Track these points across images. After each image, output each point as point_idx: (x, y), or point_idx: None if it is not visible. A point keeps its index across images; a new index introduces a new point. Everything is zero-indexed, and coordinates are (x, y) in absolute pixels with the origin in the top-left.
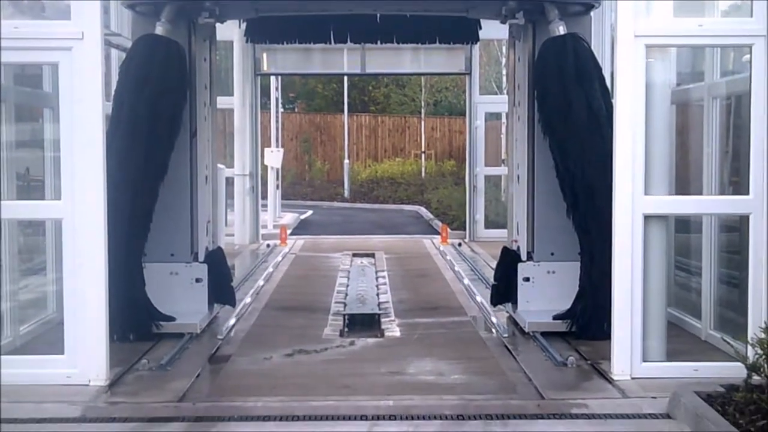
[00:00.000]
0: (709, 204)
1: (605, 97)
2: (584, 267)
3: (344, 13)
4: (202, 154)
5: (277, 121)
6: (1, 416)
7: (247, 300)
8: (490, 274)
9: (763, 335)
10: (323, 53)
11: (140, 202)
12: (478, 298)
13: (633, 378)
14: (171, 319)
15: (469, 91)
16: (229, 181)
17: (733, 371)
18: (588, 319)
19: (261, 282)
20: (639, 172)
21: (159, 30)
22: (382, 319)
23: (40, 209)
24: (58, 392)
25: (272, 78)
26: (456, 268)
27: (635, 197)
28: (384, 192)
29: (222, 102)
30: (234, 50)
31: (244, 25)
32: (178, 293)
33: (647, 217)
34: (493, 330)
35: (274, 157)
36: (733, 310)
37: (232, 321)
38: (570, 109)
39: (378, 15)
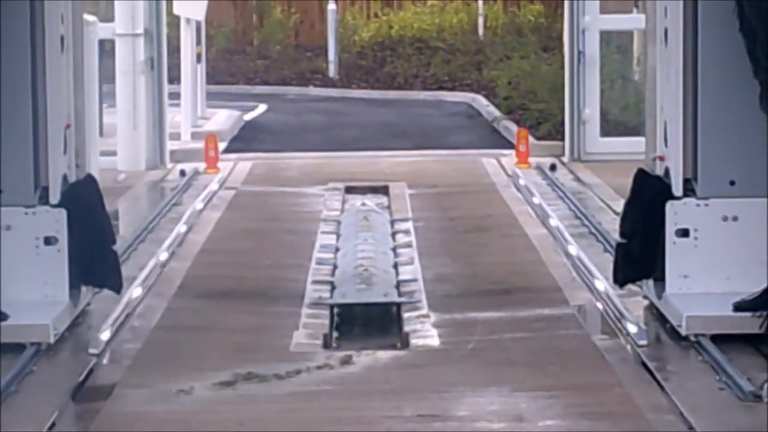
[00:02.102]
0: None
1: None
2: None
3: None
4: None
5: None
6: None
7: (144, 279)
8: (612, 227)
9: None
10: None
11: None
12: (592, 275)
13: None
14: None
15: None
16: (107, 48)
17: None
18: None
19: (170, 245)
20: None
21: None
22: (406, 314)
23: None
24: None
25: None
26: (547, 214)
27: None
28: (405, 67)
29: None
30: None
31: None
32: (12, 265)
33: None
34: (620, 332)
35: (191, 1)
36: None
37: (116, 320)
38: None
39: None
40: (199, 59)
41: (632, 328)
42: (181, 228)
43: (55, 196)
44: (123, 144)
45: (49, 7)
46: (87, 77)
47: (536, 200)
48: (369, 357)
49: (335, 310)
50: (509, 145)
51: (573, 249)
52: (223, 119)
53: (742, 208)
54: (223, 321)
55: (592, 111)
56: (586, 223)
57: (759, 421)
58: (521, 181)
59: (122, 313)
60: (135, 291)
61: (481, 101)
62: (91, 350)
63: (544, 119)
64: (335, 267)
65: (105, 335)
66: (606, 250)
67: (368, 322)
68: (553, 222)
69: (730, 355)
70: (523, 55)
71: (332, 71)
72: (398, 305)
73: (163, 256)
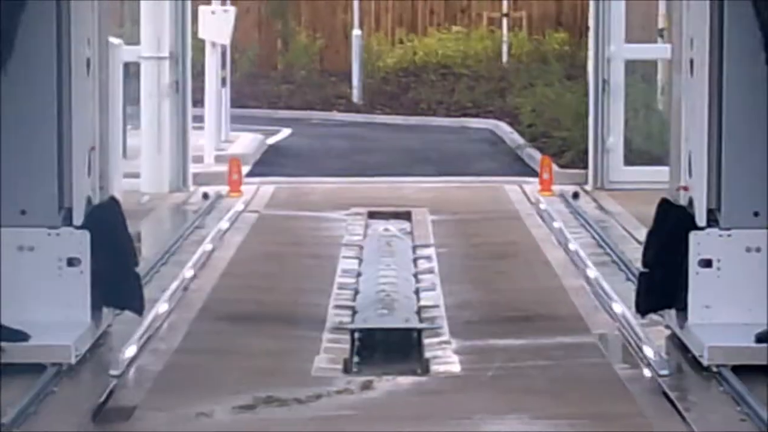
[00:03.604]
0: None
1: None
2: None
3: None
4: (78, 18)
5: None
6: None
7: (166, 302)
8: (634, 256)
9: None
10: None
11: None
12: (614, 303)
13: None
14: (20, 337)
15: None
16: (132, 71)
17: None
18: None
19: (192, 268)
20: None
21: None
22: (426, 340)
23: None
24: None
25: None
26: (569, 243)
27: None
28: (429, 93)
29: None
30: None
31: None
32: (34, 286)
33: None
34: (642, 362)
35: (217, 24)
36: None
37: (138, 342)
38: None
39: None
40: (223, 83)
41: (654, 357)
42: (204, 251)
43: (78, 218)
44: (147, 166)
45: (75, 29)
46: (111, 100)
47: (559, 228)
48: (389, 383)
49: (356, 335)
50: (532, 173)
51: (595, 277)
52: (246, 143)
53: (766, 239)
54: (244, 344)
55: (615, 139)
56: (609, 251)
57: None
58: (544, 209)
59: (144, 335)
60: (157, 313)
61: (504, 128)
62: (112, 372)
63: (567, 147)
64: (357, 292)
65: (126, 357)
66: (628, 279)
67: (389, 348)
68: (576, 250)
69: (752, 387)
70: (547, 82)
71: (356, 96)
72: (419, 331)
73: (186, 278)
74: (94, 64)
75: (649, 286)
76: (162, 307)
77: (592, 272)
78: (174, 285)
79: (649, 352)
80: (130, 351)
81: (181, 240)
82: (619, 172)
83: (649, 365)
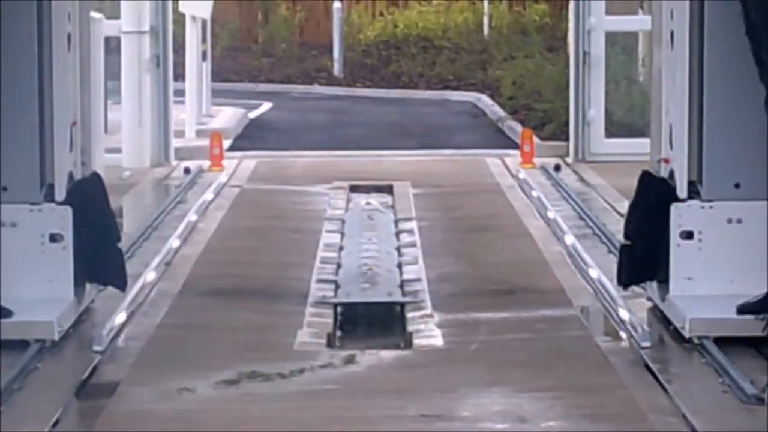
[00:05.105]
0: None
1: None
2: None
3: None
4: None
5: None
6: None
7: (149, 277)
8: (616, 228)
9: None
10: None
11: None
12: (594, 273)
13: None
14: (3, 313)
15: None
16: (113, 46)
17: None
18: None
19: (175, 242)
20: None
21: None
22: (409, 314)
23: None
24: None
25: None
26: (550, 215)
27: None
28: (410, 66)
29: None
30: None
31: None
32: (17, 262)
33: None
34: (623, 334)
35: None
36: None
37: (121, 318)
38: None
39: None
40: (204, 57)
41: (635, 329)
42: (186, 226)
43: (60, 194)
44: (128, 141)
45: (56, 5)
46: (93, 75)
47: (540, 201)
48: (372, 356)
49: (339, 309)
50: (514, 145)
51: (575, 246)
52: (228, 117)
53: (747, 210)
54: (227, 319)
55: (596, 112)
56: (590, 224)
57: (761, 424)
58: (525, 182)
59: (127, 310)
60: (140, 288)
61: (485, 101)
62: (96, 348)
63: (548, 120)
64: (339, 266)
65: (109, 333)
66: (610, 252)
67: (372, 322)
68: (557, 222)
69: (733, 358)
70: (528, 54)
71: (337, 70)
72: (402, 305)
73: (168, 254)
74: (75, 39)
75: (630, 259)
76: (145, 282)
77: (572, 242)
78: (157, 260)
79: (630, 324)
80: (114, 327)
81: (164, 215)
82: (601, 144)
83: (630, 337)
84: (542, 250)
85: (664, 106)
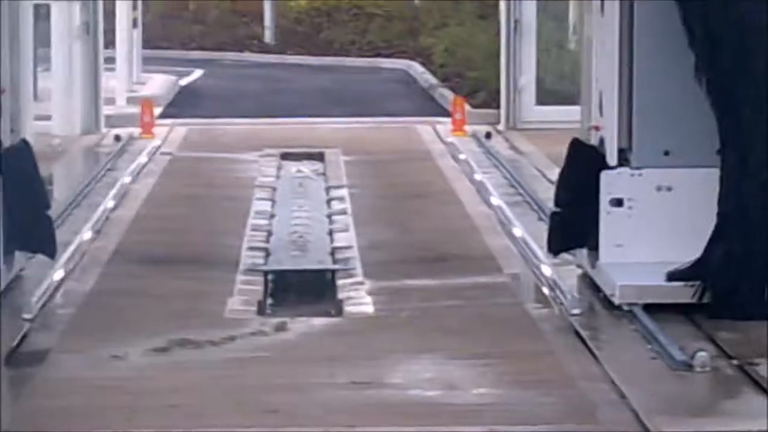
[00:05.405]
0: None
1: None
2: (730, 177)
3: None
4: None
5: None
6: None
7: (80, 243)
8: (546, 195)
9: None
10: None
11: None
12: (524, 239)
13: None
14: None
15: None
16: (42, 12)
17: None
18: (735, 280)
19: (106, 209)
20: None
21: None
22: (340, 281)
23: None
24: None
25: None
26: (481, 181)
27: None
28: (341, 33)
29: None
30: None
31: None
32: None
33: None
34: (553, 301)
35: None
36: None
37: (51, 284)
38: None
39: None
40: (135, 24)
41: (565, 297)
42: (116, 194)
43: None
44: (58, 108)
45: None
46: (22, 42)
47: (471, 168)
48: (303, 324)
49: (270, 276)
50: (445, 113)
51: (505, 212)
52: (158, 84)
53: (677, 178)
54: (158, 287)
55: (527, 79)
56: (521, 191)
57: (690, 390)
58: (456, 149)
59: (56, 278)
60: (69, 257)
61: (417, 68)
62: (25, 315)
63: (480, 87)
64: (270, 234)
65: (38, 300)
66: (540, 219)
67: (303, 290)
68: (486, 185)
69: (663, 325)
70: (459, 22)
71: (269, 37)
72: (333, 272)
73: (98, 221)
74: (4, 6)
75: (561, 226)
76: (76, 249)
77: (503, 208)
78: (86, 228)
79: (559, 290)
80: (44, 294)
81: (93, 182)
82: (532, 111)
83: (560, 305)
84: (472, 216)
85: (595, 74)
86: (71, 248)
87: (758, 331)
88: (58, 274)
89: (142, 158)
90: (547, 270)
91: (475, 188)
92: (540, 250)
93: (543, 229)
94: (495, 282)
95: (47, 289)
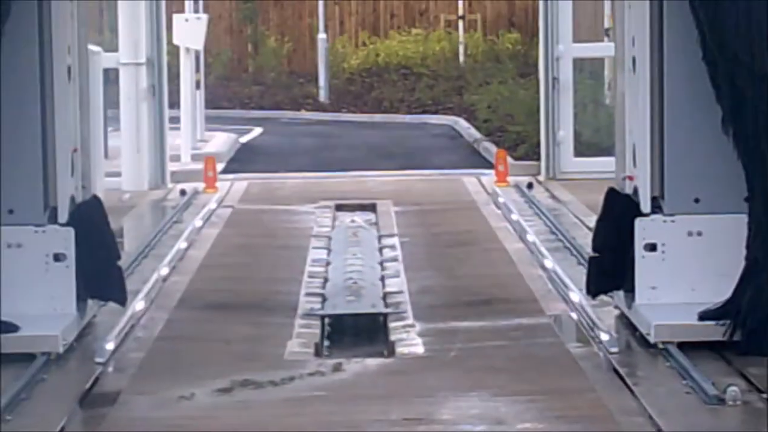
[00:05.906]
0: None
1: None
2: (759, 224)
3: None
4: (59, 28)
5: None
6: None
7: (147, 293)
8: (585, 242)
9: None
10: None
11: None
12: (565, 284)
13: None
14: (11, 328)
15: None
16: (111, 76)
17: None
18: (764, 318)
19: (171, 260)
20: None
21: None
22: (392, 324)
23: None
24: None
25: None
26: (524, 230)
27: None
28: (391, 92)
29: None
30: None
31: None
32: (23, 281)
33: None
34: (593, 340)
35: (191, 31)
36: None
37: (121, 331)
38: None
39: None
40: (198, 86)
41: (604, 337)
42: (182, 244)
43: (63, 216)
44: (127, 166)
45: (57, 38)
46: (92, 104)
47: (514, 217)
48: (358, 364)
49: (326, 320)
50: (489, 165)
51: (549, 263)
52: (220, 142)
53: (706, 223)
54: (221, 331)
55: (566, 133)
56: (561, 237)
57: (722, 423)
58: (500, 199)
59: (127, 324)
60: (138, 304)
61: (462, 124)
62: (98, 359)
63: (521, 141)
64: (326, 280)
65: (110, 345)
66: (579, 263)
67: (357, 332)
68: (530, 237)
69: (696, 361)
70: (502, 80)
71: (323, 96)
72: (385, 316)
73: (165, 270)
74: (75, 70)
75: (598, 270)
76: (144, 298)
77: (544, 255)
78: (154, 277)
79: (600, 331)
80: (114, 340)
81: (161, 234)
82: (570, 163)
83: (600, 343)
84: (516, 262)
85: (628, 127)
86: (140, 296)
87: None
88: (129, 321)
89: (205, 212)
90: (586, 311)
91: (517, 235)
92: (580, 293)
93: (583, 272)
94: (538, 323)
95: (118, 334)
